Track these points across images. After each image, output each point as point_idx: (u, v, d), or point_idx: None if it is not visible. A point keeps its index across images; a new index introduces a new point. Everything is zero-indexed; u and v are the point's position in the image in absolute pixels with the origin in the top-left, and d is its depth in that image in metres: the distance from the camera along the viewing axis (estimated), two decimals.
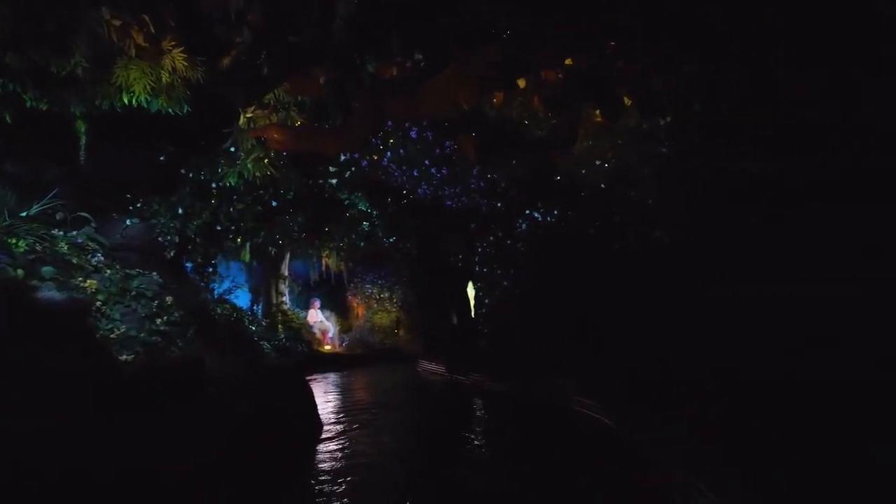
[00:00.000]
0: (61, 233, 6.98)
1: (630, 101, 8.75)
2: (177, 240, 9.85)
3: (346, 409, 10.94)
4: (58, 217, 8.08)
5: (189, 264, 10.75)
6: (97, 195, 9.45)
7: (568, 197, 11.38)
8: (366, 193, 16.03)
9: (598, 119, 8.97)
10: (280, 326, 23.48)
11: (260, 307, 24.90)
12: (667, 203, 8.75)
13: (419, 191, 12.44)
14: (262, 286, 25.18)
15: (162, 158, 10.03)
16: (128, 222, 9.42)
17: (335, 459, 7.30)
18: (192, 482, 5.50)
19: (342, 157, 12.43)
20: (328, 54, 5.91)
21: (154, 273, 7.94)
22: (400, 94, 6.82)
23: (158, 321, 7.37)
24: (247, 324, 16.12)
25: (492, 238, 15.88)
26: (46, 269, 5.86)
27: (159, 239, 9.71)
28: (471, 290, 21.07)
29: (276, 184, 11.05)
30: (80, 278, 6.53)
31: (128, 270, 7.54)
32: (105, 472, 5.03)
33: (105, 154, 9.76)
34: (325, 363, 22.13)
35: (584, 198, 11.18)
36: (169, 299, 7.79)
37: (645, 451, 6.74)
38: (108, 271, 7.11)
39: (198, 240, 10.20)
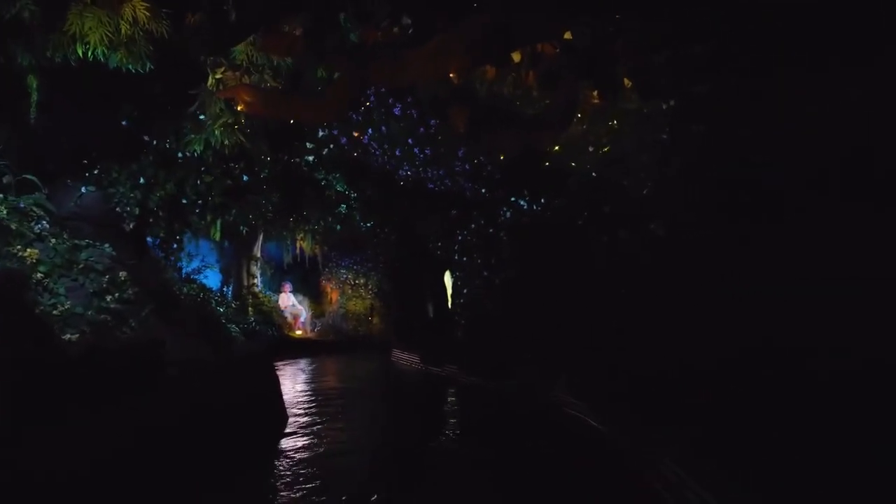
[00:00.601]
0: (1, 195, 6.26)
1: (630, 82, 8.27)
2: (137, 212, 9.13)
3: (314, 399, 10.34)
4: (4, 180, 7.36)
5: (151, 239, 10.00)
6: (49, 159, 8.71)
7: (556, 185, 10.85)
8: (344, 174, 15.37)
9: (595, 100, 8.46)
10: (250, 309, 22.72)
11: (230, 289, 24.10)
12: (664, 194, 8.25)
13: (400, 172, 11.81)
14: (233, 267, 24.38)
15: (124, 123, 9.30)
16: (83, 190, 8.68)
17: (295, 460, 6.58)
18: (126, 482, 4.87)
19: (320, 133, 11.76)
20: (306, 4, 5.27)
21: (107, 245, 7.24)
22: (384, 59, 6.22)
23: (109, 298, 6.70)
24: (214, 305, 15.40)
25: (473, 226, 15.33)
26: None
27: (117, 210, 8.98)
28: (448, 280, 20.51)
29: (248, 157, 10.37)
30: (19, 247, 5.83)
31: (76, 241, 6.83)
32: (33, 472, 4.39)
33: (60, 114, 8.98)
34: (296, 349, 21.46)
35: (572, 186, 10.66)
36: (122, 274, 7.11)
37: (628, 449, 6.30)
38: (54, 240, 6.41)
39: (161, 213, 9.48)
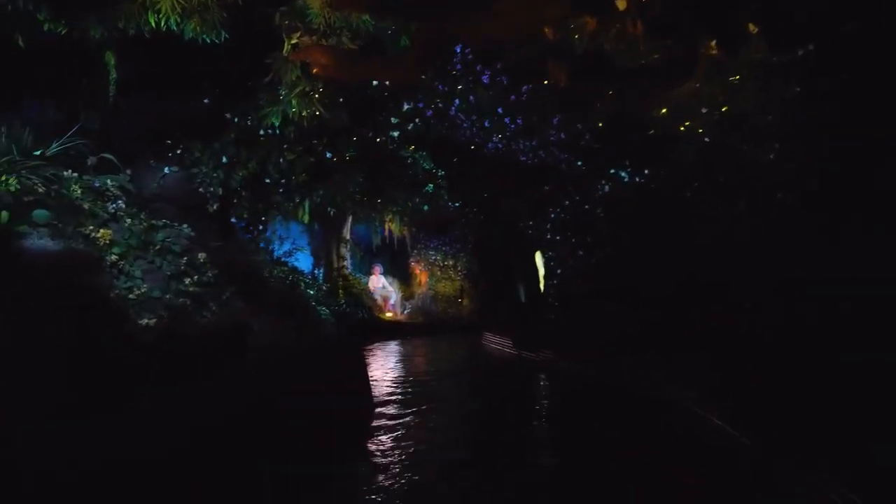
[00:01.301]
0: (75, 175, 6.01)
1: (755, 28, 7.15)
2: (220, 192, 8.88)
3: (403, 387, 9.85)
4: (89, 162, 7.19)
5: (234, 220, 9.77)
6: (132, 140, 8.55)
7: (661, 153, 9.80)
8: (430, 151, 14.80)
9: (712, 51, 7.39)
10: (341, 292, 22.74)
11: (321, 271, 24.23)
12: (796, 158, 7.11)
13: (489, 145, 11.08)
14: (324, 250, 24.48)
15: (206, 101, 9.04)
16: (165, 170, 8.48)
17: (382, 464, 5.67)
18: (195, 477, 4.44)
19: (405, 107, 11.18)
20: None
21: (185, 226, 6.92)
22: (469, 10, 5.50)
23: (187, 281, 6.36)
24: (303, 288, 15.28)
25: (567, 202, 14.39)
26: (39, 213, 4.87)
27: (200, 190, 8.75)
28: (539, 260, 19.65)
29: (330, 133, 9.93)
30: (91, 227, 5.55)
31: (153, 221, 6.53)
32: (93, 461, 4.02)
33: (142, 94, 8.81)
34: (386, 331, 21.29)
35: (681, 153, 9.57)
36: (202, 256, 6.78)
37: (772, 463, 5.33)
38: (129, 221, 6.12)
39: (243, 193, 9.19)
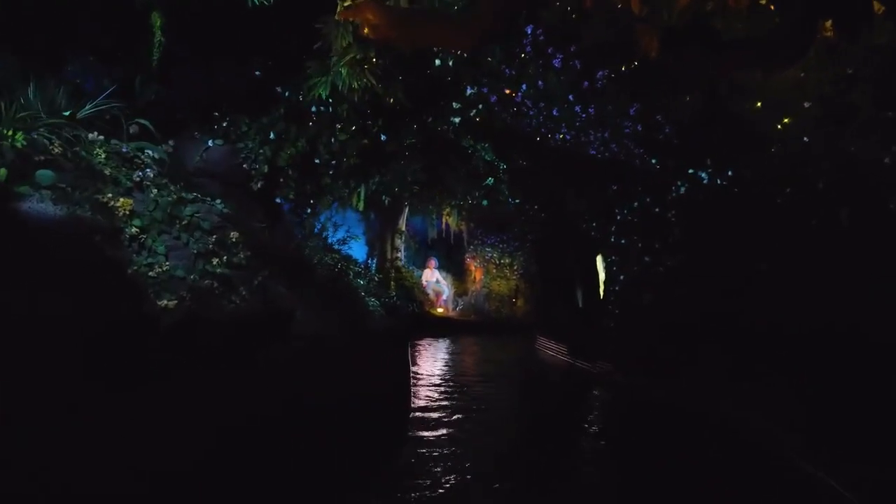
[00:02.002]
0: (101, 138, 5.52)
1: (882, 8, 6.10)
2: (266, 170, 8.35)
3: (448, 391, 9.14)
4: (127, 129, 6.74)
5: (281, 202, 9.24)
6: (177, 108, 8.11)
7: (751, 153, 8.75)
8: (492, 142, 14.01)
9: (828, 33, 6.37)
10: (392, 283, 22.23)
11: (374, 261, 23.81)
12: None
13: (556, 136, 10.21)
14: (378, 240, 24.06)
15: (257, 73, 8.53)
16: (209, 143, 8.00)
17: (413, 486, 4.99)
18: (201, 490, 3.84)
19: (468, 91, 10.43)
20: None
21: (217, 201, 6.38)
22: None
23: (215, 261, 5.81)
24: (352, 277, 14.75)
25: (636, 204, 13.35)
26: (43, 174, 4.35)
27: (244, 167, 8.24)
28: (600, 264, 18.58)
29: (385, 113, 9.29)
30: (110, 195, 5.03)
31: (184, 194, 6.00)
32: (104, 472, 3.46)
33: (189, 62, 8.36)
34: (436, 327, 20.64)
35: (773, 154, 8.51)
36: (234, 235, 6.22)
37: None
38: (156, 191, 5.59)
39: (290, 172, 8.64)
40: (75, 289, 4.08)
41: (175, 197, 5.77)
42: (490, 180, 18.02)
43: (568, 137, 9.93)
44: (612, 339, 13.59)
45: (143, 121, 6.43)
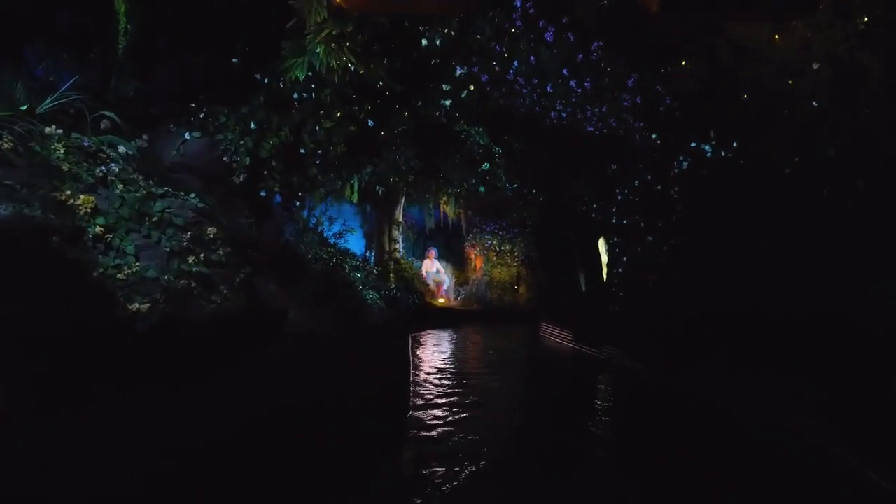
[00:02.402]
0: (59, 131, 5.11)
1: None
2: (248, 161, 7.93)
3: (450, 384, 8.77)
4: (102, 125, 6.33)
5: (266, 194, 8.81)
6: (149, 101, 7.69)
7: (757, 121, 8.33)
8: (486, 126, 13.60)
9: None
10: (392, 276, 21.85)
11: (372, 254, 23.45)
12: None
13: (551, 114, 9.78)
14: (375, 232, 23.68)
15: (235, 61, 8.10)
16: (186, 136, 7.59)
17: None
18: None
19: (458, 71, 10.00)
20: None
21: (192, 195, 5.98)
22: None
23: (191, 259, 5.42)
24: (348, 271, 14.37)
25: (636, 182, 12.94)
26: None
27: (224, 159, 7.83)
28: (603, 247, 18.17)
29: (372, 97, 8.87)
30: (68, 192, 4.63)
31: (154, 189, 5.59)
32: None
33: (162, 53, 7.96)
34: (437, 318, 20.28)
35: (782, 122, 8.08)
36: (211, 231, 5.82)
37: None
38: (122, 187, 5.19)
39: (274, 163, 8.22)
40: (24, 294, 3.69)
41: (144, 192, 5.37)
42: (486, 165, 17.65)
43: (564, 115, 9.50)
44: (615, 322, 13.23)
45: (109, 113, 6.02)
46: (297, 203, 10.70)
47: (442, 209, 24.33)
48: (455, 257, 26.54)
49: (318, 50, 5.58)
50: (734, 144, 9.06)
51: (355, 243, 23.60)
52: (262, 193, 8.43)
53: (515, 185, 18.24)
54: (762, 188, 8.87)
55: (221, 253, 5.81)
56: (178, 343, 5.00)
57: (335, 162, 9.47)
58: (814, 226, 8.20)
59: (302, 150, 8.61)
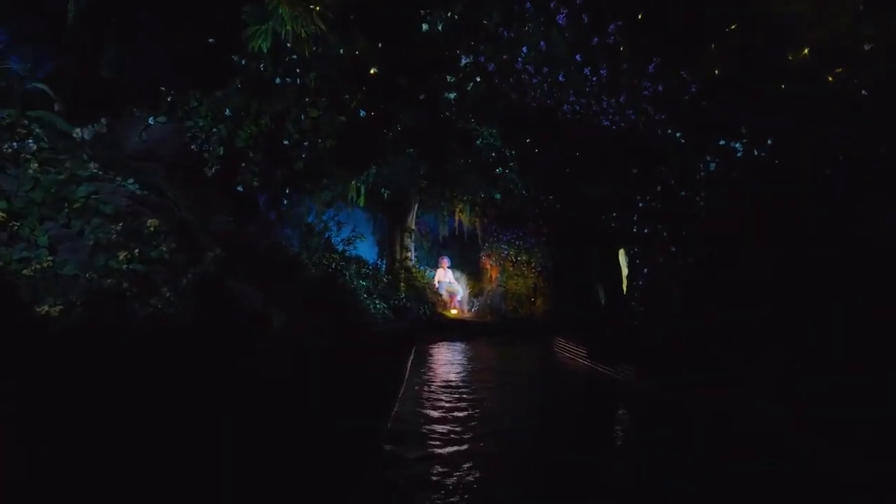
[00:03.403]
0: None
1: None
2: (221, 152, 7.15)
3: (446, 408, 7.84)
4: (56, 108, 5.59)
5: (240, 189, 8.00)
6: (116, 84, 6.95)
7: (795, 114, 7.35)
8: (499, 127, 12.74)
9: None
10: (402, 284, 21.02)
11: (384, 262, 22.68)
12: None
13: (564, 107, 8.86)
14: (387, 239, 22.91)
15: (211, 41, 7.34)
16: (150, 121, 6.83)
17: None
18: None
19: (463, 60, 9.15)
20: None
21: (130, 180, 5.17)
22: None
23: (122, 255, 4.60)
24: (347, 277, 13.54)
25: (659, 188, 11.95)
26: None
27: (193, 148, 7.05)
28: (623, 259, 17.12)
29: (362, 81, 8.05)
30: None
31: (79, 171, 4.79)
32: None
33: (129, 30, 7.23)
34: (449, 329, 19.31)
35: (821, 117, 7.09)
36: (152, 223, 5.00)
37: None
38: (36, 166, 4.40)
39: (251, 154, 7.42)
40: None
41: (66, 174, 4.57)
42: (499, 170, 16.77)
43: (577, 108, 8.58)
44: (634, 338, 12.20)
45: (41, 86, 5.25)
46: (286, 202, 9.89)
47: (457, 217, 23.47)
48: (470, 267, 25.64)
49: (284, 14, 4.77)
50: (769, 142, 8.06)
51: (367, 251, 22.84)
52: (240, 188, 7.62)
53: (532, 192, 17.34)
54: (800, 192, 7.85)
55: (165, 249, 4.99)
56: (97, 353, 4.17)
57: (325, 156, 8.65)
58: (856, 236, 7.19)
59: (285, 142, 7.81)
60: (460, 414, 7.32)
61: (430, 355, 13.74)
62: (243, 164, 7.53)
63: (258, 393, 5.19)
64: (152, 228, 4.93)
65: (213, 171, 7.14)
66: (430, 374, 10.75)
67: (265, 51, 5.83)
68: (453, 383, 9.69)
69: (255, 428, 4.50)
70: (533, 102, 9.73)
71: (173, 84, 7.14)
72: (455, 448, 5.80)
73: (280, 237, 17.52)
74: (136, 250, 4.69)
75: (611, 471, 5.70)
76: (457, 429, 6.56)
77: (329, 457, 4.63)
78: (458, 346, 16.33)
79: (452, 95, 9.81)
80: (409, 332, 16.25)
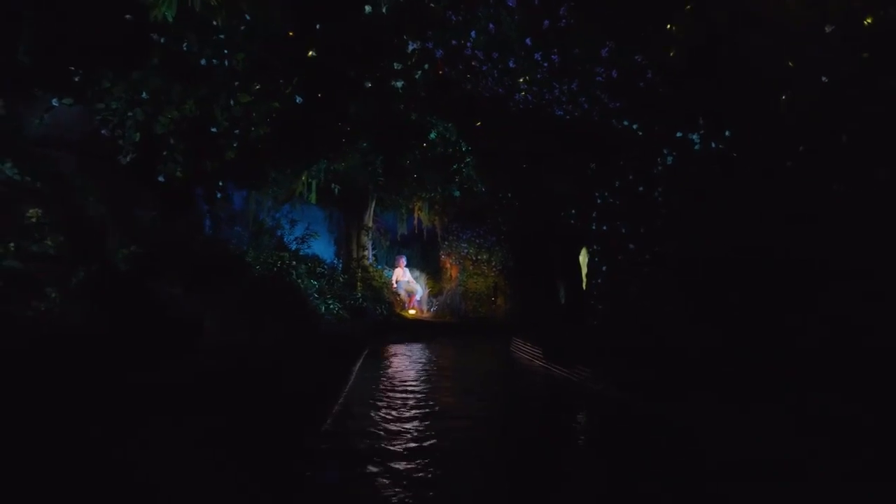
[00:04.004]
0: None
1: None
2: (137, 138, 6.50)
3: (380, 417, 7.31)
4: None
5: (162, 179, 7.32)
6: (16, 61, 6.25)
7: (754, 105, 7.02)
8: (450, 118, 12.28)
9: None
10: (359, 284, 20.44)
11: (341, 261, 22.04)
12: None
13: (517, 96, 8.41)
14: (343, 238, 22.30)
15: (128, 17, 6.68)
16: (53, 102, 6.15)
17: None
18: None
19: (410, 46, 8.64)
20: None
21: (7, 164, 4.53)
22: None
23: None
24: (295, 276, 12.91)
25: (617, 183, 11.65)
26: None
27: (103, 132, 6.39)
28: (584, 257, 16.78)
29: (301, 68, 7.49)
30: None
31: None
32: None
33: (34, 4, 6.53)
34: (404, 330, 18.74)
35: (782, 105, 6.77)
36: (34, 213, 4.38)
37: None
38: None
39: (173, 141, 6.78)
40: None
41: None
42: (456, 166, 16.29)
43: (530, 97, 8.13)
44: (593, 338, 11.85)
45: None
46: (219, 195, 9.23)
47: (416, 215, 22.97)
48: (430, 266, 25.16)
49: None
50: (727, 133, 7.73)
51: (325, 250, 22.18)
52: (161, 178, 6.97)
53: (489, 189, 16.93)
54: (758, 185, 7.54)
55: (50, 243, 4.37)
56: None
57: (263, 147, 8.05)
58: (816, 228, 6.89)
59: (213, 129, 7.18)
60: (380, 426, 6.80)
61: (382, 356, 13.17)
62: (165, 153, 6.88)
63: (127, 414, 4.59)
64: (34, 219, 4.31)
65: (128, 159, 6.48)
66: (378, 374, 10.20)
67: (170, 20, 5.23)
68: (392, 387, 9.15)
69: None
70: (486, 92, 9.27)
71: (83, 64, 6.46)
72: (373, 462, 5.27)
73: (230, 235, 16.78)
74: (11, 244, 4.07)
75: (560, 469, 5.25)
76: (392, 448, 6.04)
77: None
78: (413, 346, 15.78)
79: (400, 84, 9.28)
80: (362, 332, 15.68)
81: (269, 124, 7.56)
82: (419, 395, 8.35)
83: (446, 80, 9.63)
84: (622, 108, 7.79)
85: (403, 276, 22.80)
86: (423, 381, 9.73)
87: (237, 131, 7.36)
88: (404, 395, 8.31)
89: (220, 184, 8.67)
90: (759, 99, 6.79)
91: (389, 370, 11.05)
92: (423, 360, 12.97)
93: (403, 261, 22.90)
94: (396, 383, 9.42)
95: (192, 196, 8.95)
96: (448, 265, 23.96)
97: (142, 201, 7.18)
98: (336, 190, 13.96)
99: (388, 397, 8.14)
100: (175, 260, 7.63)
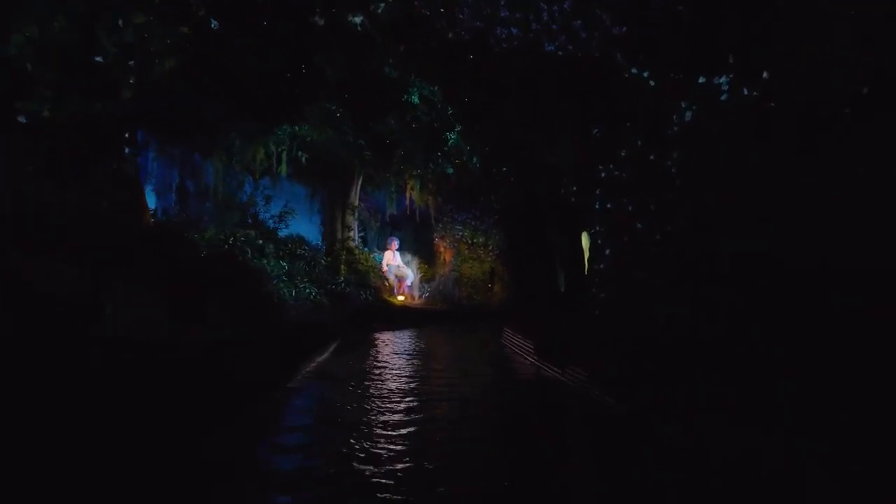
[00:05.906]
0: None
1: None
2: None
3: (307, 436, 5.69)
4: None
5: (21, 119, 5.67)
6: None
7: (787, 48, 5.32)
8: (427, 73, 10.62)
9: None
10: (343, 268, 18.81)
11: (326, 243, 20.48)
12: None
13: (498, 30, 6.70)
14: (328, 217, 20.70)
15: None
16: None
17: None
18: None
19: None
20: None
21: None
22: None
23: None
24: (250, 255, 11.28)
25: (623, 153, 9.94)
26: None
27: None
28: (585, 240, 15.04)
29: None
30: None
31: None
32: None
33: None
34: (388, 319, 17.08)
35: (819, 54, 5.07)
36: None
37: None
38: None
39: (30, 68, 5.13)
40: None
41: None
42: (448, 136, 14.65)
43: (514, 29, 6.42)
44: (592, 332, 10.17)
45: None
46: (128, 149, 7.50)
47: (408, 194, 21.23)
48: (424, 250, 23.53)
49: None
50: (764, 75, 6.00)
51: (310, 230, 20.65)
52: (22, 119, 5.33)
53: (481, 163, 15.24)
54: (790, 139, 5.83)
55: None
56: None
57: (174, 90, 6.39)
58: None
59: (98, 58, 5.52)
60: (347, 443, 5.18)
61: (352, 350, 11.57)
62: (25, 87, 5.24)
63: None
64: None
65: None
66: (343, 372, 8.59)
67: None
68: (364, 399, 7.53)
69: None
70: (465, 33, 7.56)
71: None
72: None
73: (193, 211, 15.12)
74: None
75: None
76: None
77: None
78: (392, 339, 14.17)
79: (359, 20, 7.59)
80: (339, 323, 14.10)
81: (178, 58, 5.89)
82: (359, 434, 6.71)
83: (418, 20, 7.92)
84: (628, 35, 6.05)
85: (394, 260, 21.19)
86: (399, 391, 8.11)
87: (132, 62, 5.69)
88: (330, 435, 6.69)
89: (127, 136, 6.97)
90: (790, 43, 5.08)
91: (352, 370, 9.44)
92: (403, 358, 11.34)
93: (395, 243, 21.26)
94: (328, 408, 7.80)
95: (107, 155, 7.29)
96: (442, 249, 22.30)
97: (13, 153, 5.56)
98: (304, 159, 12.29)
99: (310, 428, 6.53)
100: (71, 234, 6.01)
